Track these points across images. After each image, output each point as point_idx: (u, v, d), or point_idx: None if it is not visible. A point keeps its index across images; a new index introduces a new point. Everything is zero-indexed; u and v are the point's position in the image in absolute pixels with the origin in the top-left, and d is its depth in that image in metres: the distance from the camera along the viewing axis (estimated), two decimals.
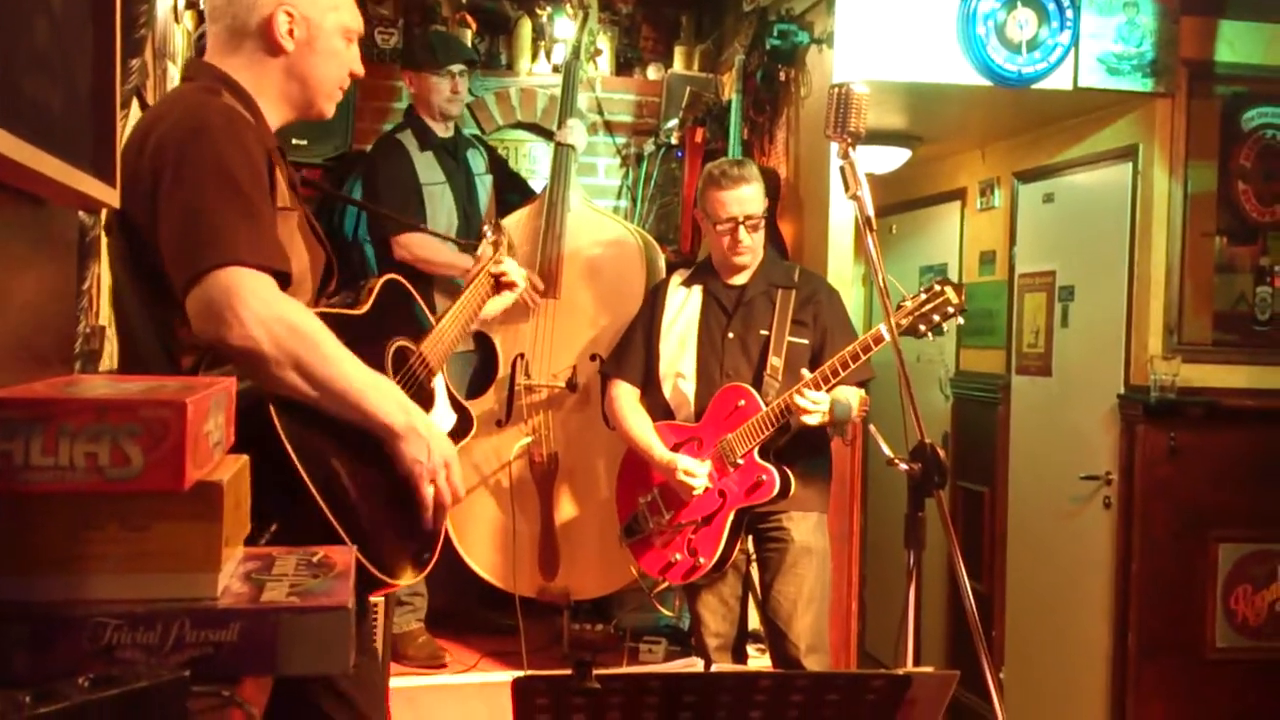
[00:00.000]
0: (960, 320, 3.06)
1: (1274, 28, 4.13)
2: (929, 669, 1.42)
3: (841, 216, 3.97)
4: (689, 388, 3.40)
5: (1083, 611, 4.42)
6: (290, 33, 1.86)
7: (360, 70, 1.98)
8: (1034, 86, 4.01)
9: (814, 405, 3.06)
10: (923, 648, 2.28)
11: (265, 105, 1.88)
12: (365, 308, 1.99)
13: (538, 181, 4.72)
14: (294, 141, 4.24)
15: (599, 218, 4.31)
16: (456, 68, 4.13)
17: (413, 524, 1.90)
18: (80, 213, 1.28)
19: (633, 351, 3.53)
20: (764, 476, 3.22)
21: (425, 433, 1.84)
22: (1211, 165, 4.15)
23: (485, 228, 2.70)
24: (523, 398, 4.10)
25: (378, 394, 1.78)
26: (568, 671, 1.28)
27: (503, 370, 4.16)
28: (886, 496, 4.85)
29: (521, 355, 4.11)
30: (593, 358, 4.07)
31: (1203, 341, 4.14)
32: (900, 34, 3.95)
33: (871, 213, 2.35)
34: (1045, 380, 4.77)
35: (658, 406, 3.46)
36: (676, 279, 3.54)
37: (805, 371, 3.11)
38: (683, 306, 3.46)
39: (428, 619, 4.07)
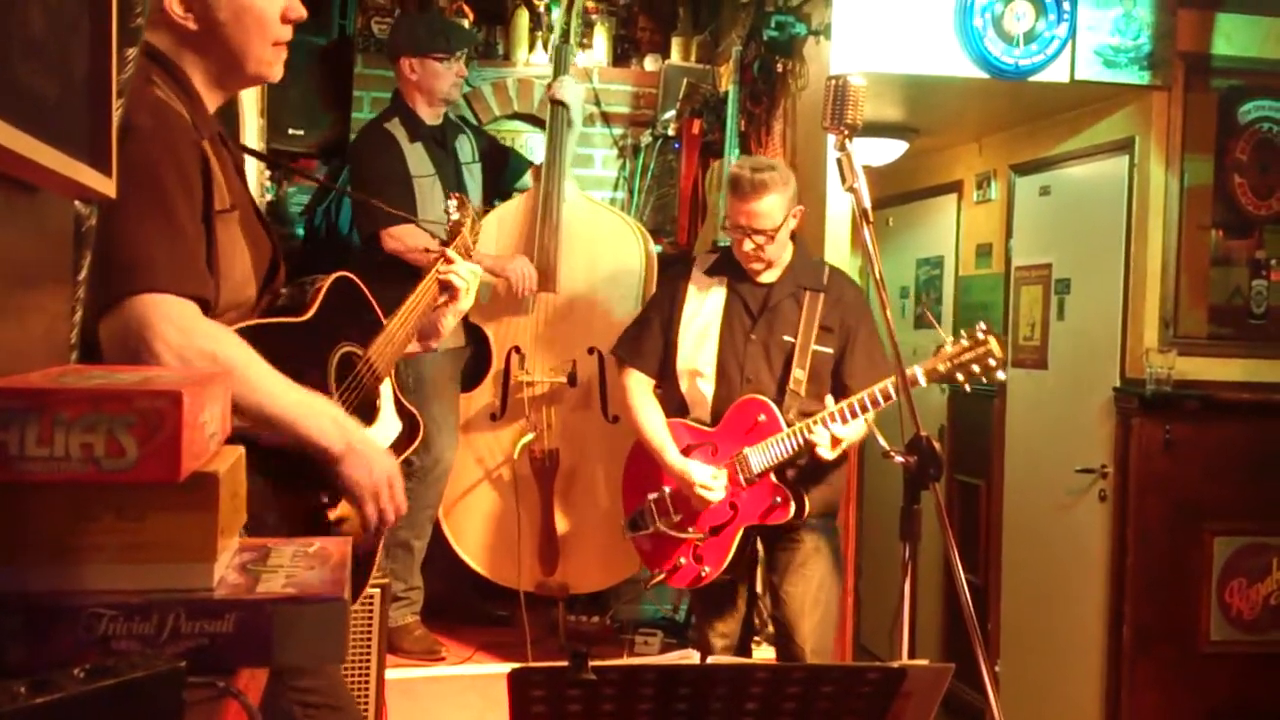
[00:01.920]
0: (1002, 375, 2.93)
1: (1271, 21, 4.13)
2: (924, 662, 1.42)
3: (838, 208, 3.97)
4: (707, 387, 3.28)
5: (1078, 604, 4.43)
6: (188, 12, 1.71)
7: (299, 12, 1.79)
8: (1031, 79, 4.01)
9: (831, 442, 3.00)
10: (918, 641, 2.28)
11: (199, 82, 1.75)
12: (310, 312, 1.87)
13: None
14: (290, 131, 4.21)
15: (595, 209, 4.30)
16: (462, 53, 4.09)
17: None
18: (76, 202, 1.27)
19: (649, 340, 3.39)
20: (779, 499, 3.15)
21: (364, 450, 1.78)
22: (1208, 158, 4.15)
23: (449, 203, 2.51)
24: (523, 392, 4.09)
25: (312, 416, 1.71)
26: (564, 663, 1.28)
27: (496, 364, 4.14)
28: (882, 489, 4.85)
29: (517, 348, 4.10)
30: (590, 351, 4.07)
31: (1198, 335, 4.14)
32: (897, 26, 3.95)
33: (868, 205, 2.35)
34: (1041, 373, 4.77)
35: (672, 399, 3.36)
36: (699, 268, 3.39)
37: (829, 399, 3.04)
38: (704, 300, 3.33)
39: (423, 611, 4.07)
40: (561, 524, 4.12)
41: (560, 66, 4.37)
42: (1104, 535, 4.29)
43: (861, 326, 3.25)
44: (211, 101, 1.79)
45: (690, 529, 3.25)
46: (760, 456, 3.13)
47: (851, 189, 2.36)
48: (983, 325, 2.94)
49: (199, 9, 1.70)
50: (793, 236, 3.30)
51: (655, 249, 4.29)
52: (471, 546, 4.18)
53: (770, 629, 3.58)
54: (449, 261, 2.34)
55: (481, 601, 4.32)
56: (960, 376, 2.92)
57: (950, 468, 5.20)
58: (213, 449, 1.17)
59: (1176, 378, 4.04)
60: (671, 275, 3.56)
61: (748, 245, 3.19)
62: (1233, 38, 4.13)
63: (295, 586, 1.14)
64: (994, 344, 2.88)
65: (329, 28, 4.42)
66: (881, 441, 2.59)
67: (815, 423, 3.02)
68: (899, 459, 2.23)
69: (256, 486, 1.70)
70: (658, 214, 4.97)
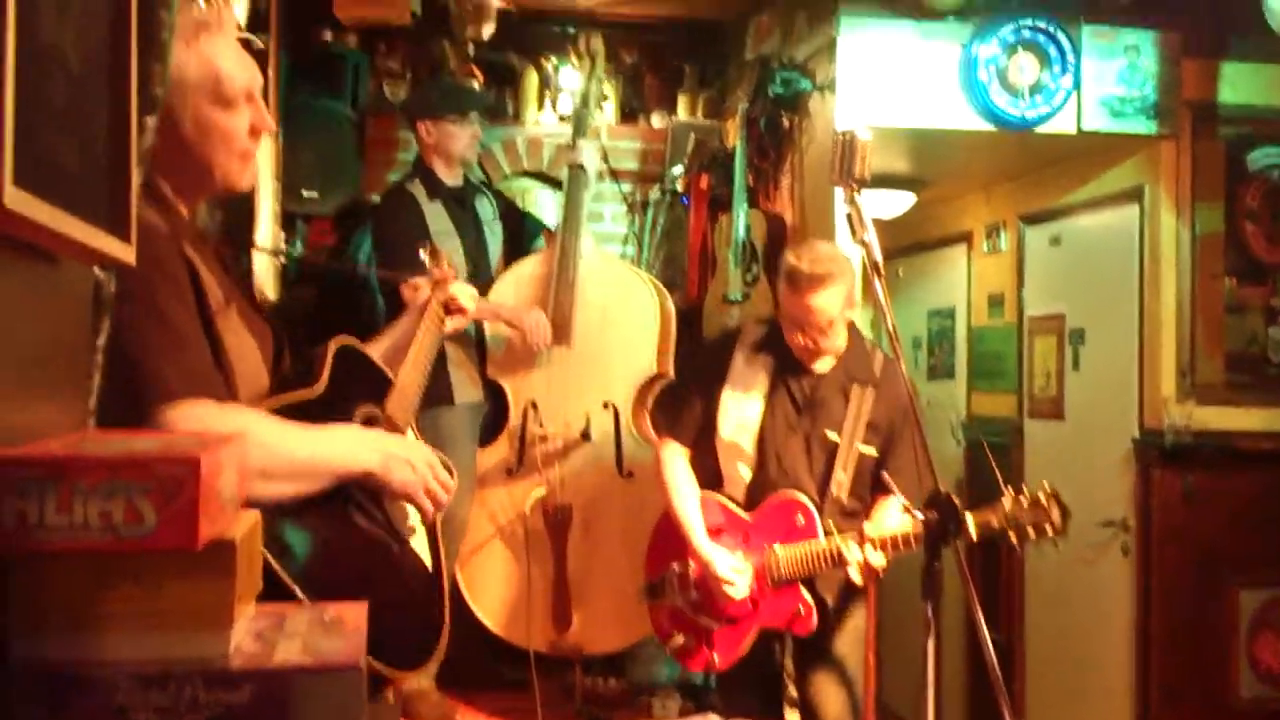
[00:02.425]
0: (1057, 545, 2.81)
1: (1276, 69, 4.15)
2: None
3: None
4: (744, 470, 3.18)
5: (1104, 660, 4.36)
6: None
7: (267, 126, 1.80)
8: (1037, 130, 4.03)
9: (862, 568, 2.90)
10: (943, 700, 2.25)
11: (170, 192, 1.75)
12: (322, 385, 1.89)
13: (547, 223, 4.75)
14: (304, 193, 4.27)
15: (611, 264, 4.34)
16: (474, 114, 4.19)
17: (407, 607, 1.87)
18: (95, 268, 1.28)
19: (689, 412, 3.29)
20: (802, 610, 3.04)
21: (401, 452, 1.84)
22: (1218, 206, 4.15)
23: (421, 251, 2.52)
24: (536, 446, 4.08)
25: (345, 450, 1.77)
26: None
27: (514, 418, 4.14)
28: None
29: (533, 403, 4.10)
30: (605, 405, 4.07)
31: (1216, 383, 4.11)
32: (902, 80, 3.99)
33: (879, 257, 2.36)
34: (1058, 424, 4.74)
35: (707, 469, 3.26)
36: (745, 341, 3.26)
37: (867, 526, 2.93)
38: (749, 378, 3.20)
39: (438, 675, 4.03)
40: (575, 581, 4.09)
41: (580, 131, 4.43)
42: (1128, 589, 4.23)
43: (908, 426, 3.03)
44: (185, 207, 1.80)
45: (706, 613, 3.16)
46: (791, 560, 3.03)
47: (862, 242, 2.36)
48: (1047, 488, 2.80)
49: (164, 126, 1.65)
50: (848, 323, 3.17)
51: (671, 307, 4.30)
52: (486, 604, 4.15)
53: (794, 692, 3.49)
54: (445, 286, 2.39)
55: (497, 665, 4.27)
56: (1013, 535, 2.78)
57: None
58: (230, 514, 1.16)
59: (1195, 427, 4.01)
60: (717, 345, 3.45)
61: (801, 338, 3.07)
62: (1238, 86, 4.15)
63: (312, 655, 1.13)
64: (1056, 512, 2.75)
65: (341, 92, 4.48)
66: (901, 499, 2.58)
67: (850, 539, 2.93)
68: (919, 516, 2.21)
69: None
70: (667, 268, 4.99)
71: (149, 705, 1.04)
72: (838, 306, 3.04)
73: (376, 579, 1.86)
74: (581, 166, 4.31)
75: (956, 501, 2.16)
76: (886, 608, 3.26)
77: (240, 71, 1.76)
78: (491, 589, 4.15)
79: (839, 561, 2.95)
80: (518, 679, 4.13)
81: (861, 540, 2.90)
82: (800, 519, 3.05)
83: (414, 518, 2.01)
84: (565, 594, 4.08)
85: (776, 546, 3.05)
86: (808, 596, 3.05)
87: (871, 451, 3.09)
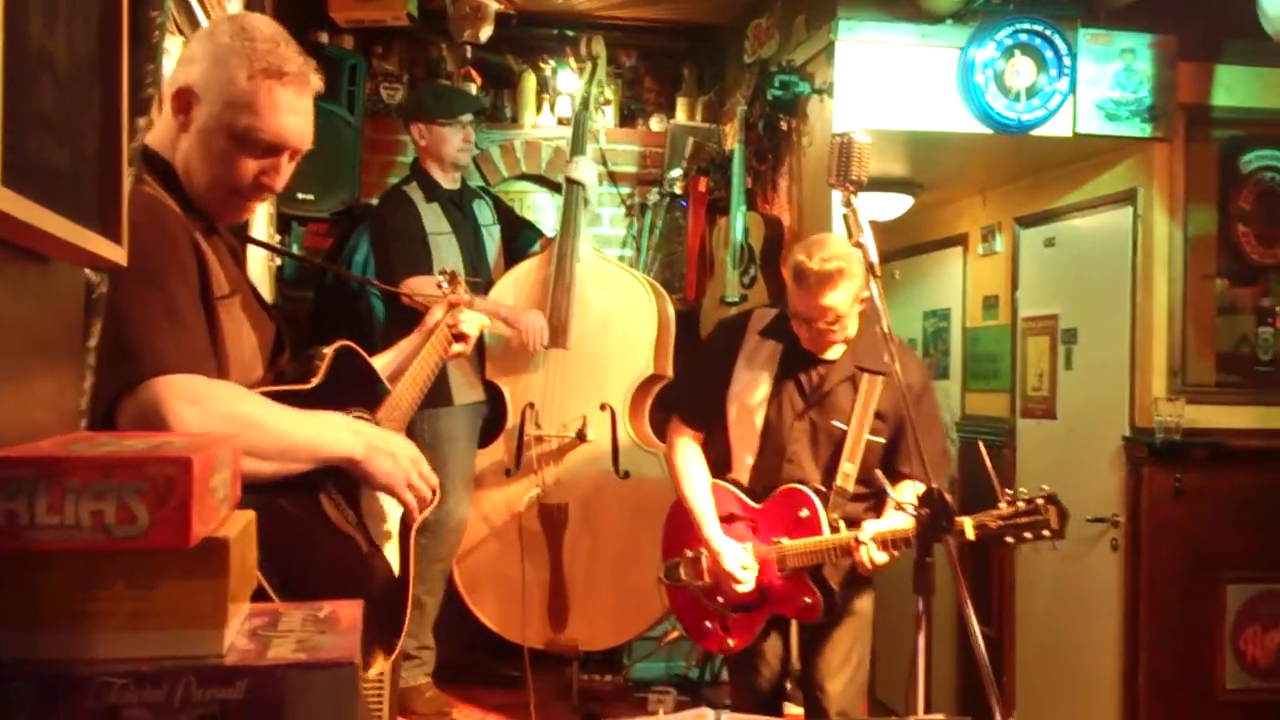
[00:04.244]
0: (1055, 547, 2.76)
1: (1271, 71, 4.16)
2: (940, 717, 1.41)
3: None
4: (749, 456, 3.14)
5: (1093, 654, 4.39)
6: (187, 109, 1.73)
7: (273, 186, 1.79)
8: (1033, 133, 4.04)
9: (871, 565, 2.86)
10: (933, 693, 2.25)
11: (186, 179, 1.76)
12: (316, 380, 1.90)
13: (545, 230, 4.76)
14: (300, 195, 4.27)
15: (609, 267, 4.34)
16: (467, 117, 4.19)
17: (372, 607, 1.88)
18: (86, 270, 1.29)
19: (698, 395, 3.26)
20: (809, 600, 3.02)
21: (384, 444, 1.84)
22: (1211, 208, 4.17)
23: (440, 277, 2.55)
24: (532, 448, 4.10)
25: (329, 433, 1.77)
26: None
27: (512, 420, 4.16)
28: None
29: (531, 405, 4.12)
30: (602, 407, 4.08)
31: (1206, 383, 4.14)
32: (900, 83, 3.99)
33: (875, 259, 2.37)
34: (1050, 423, 4.76)
35: (714, 452, 3.22)
36: (754, 326, 3.19)
37: (867, 525, 2.87)
38: (757, 364, 3.15)
39: (435, 672, 4.04)
40: (571, 580, 4.10)
41: (578, 147, 4.41)
42: (1117, 584, 4.26)
43: (919, 413, 2.85)
44: (197, 195, 1.81)
45: (719, 599, 3.15)
46: (797, 553, 3.00)
47: (858, 244, 2.38)
48: (1046, 491, 2.74)
49: (200, 117, 1.72)
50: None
51: (671, 306, 4.32)
52: (483, 602, 4.17)
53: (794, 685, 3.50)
54: (457, 312, 2.40)
55: (494, 662, 4.29)
56: (1009, 538, 2.74)
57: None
58: (223, 514, 1.17)
59: (1186, 426, 4.03)
60: (725, 329, 3.38)
61: (808, 332, 3.01)
62: (1233, 89, 4.17)
63: (306, 652, 1.14)
64: (1053, 515, 2.68)
65: (337, 94, 4.49)
66: (893, 495, 2.59)
67: (854, 542, 2.87)
68: (911, 512, 2.22)
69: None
70: (666, 271, 5.00)
71: (142, 703, 1.05)
72: (848, 303, 2.95)
73: (339, 572, 1.85)
74: (580, 183, 4.30)
75: (949, 499, 2.17)
76: (879, 601, 3.26)
77: (276, 127, 1.74)
78: (489, 587, 4.17)
79: (845, 553, 2.92)
80: (514, 676, 4.15)
81: (859, 543, 2.86)
82: (804, 512, 3.00)
83: (391, 522, 2.01)
84: (562, 592, 4.09)
85: (784, 540, 3.03)
86: (815, 588, 3.03)
87: (879, 440, 3.04)
